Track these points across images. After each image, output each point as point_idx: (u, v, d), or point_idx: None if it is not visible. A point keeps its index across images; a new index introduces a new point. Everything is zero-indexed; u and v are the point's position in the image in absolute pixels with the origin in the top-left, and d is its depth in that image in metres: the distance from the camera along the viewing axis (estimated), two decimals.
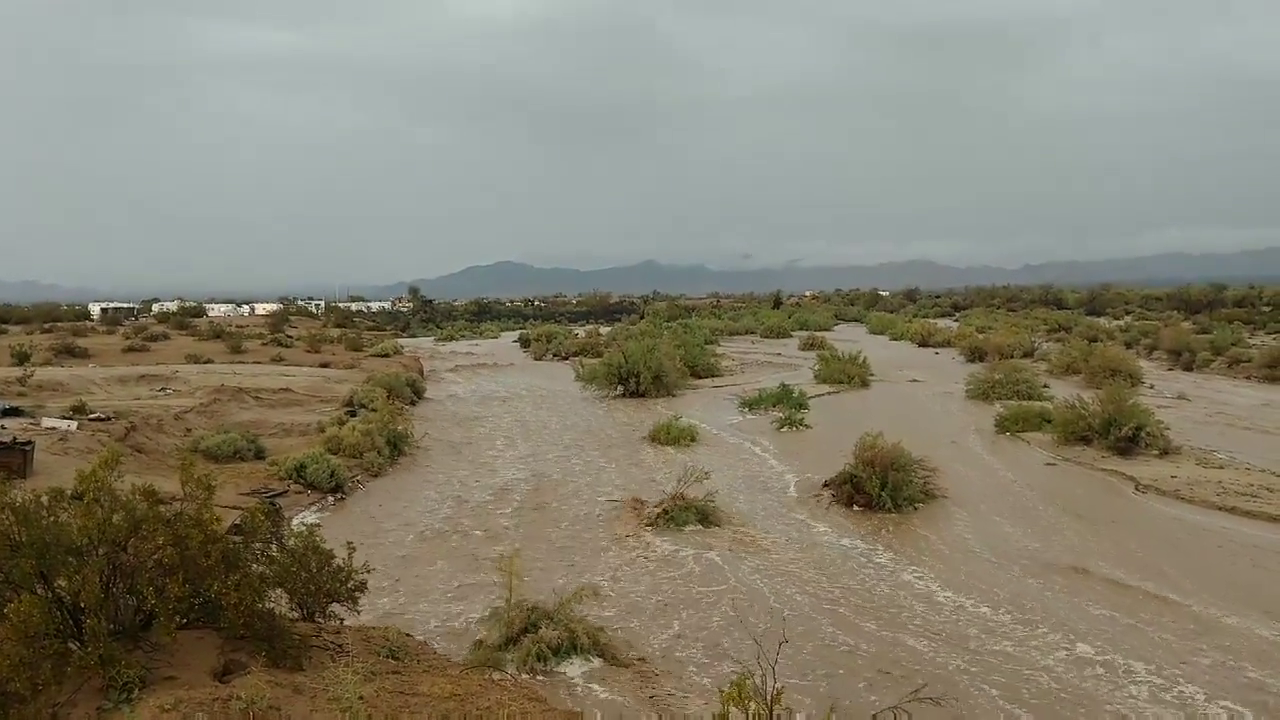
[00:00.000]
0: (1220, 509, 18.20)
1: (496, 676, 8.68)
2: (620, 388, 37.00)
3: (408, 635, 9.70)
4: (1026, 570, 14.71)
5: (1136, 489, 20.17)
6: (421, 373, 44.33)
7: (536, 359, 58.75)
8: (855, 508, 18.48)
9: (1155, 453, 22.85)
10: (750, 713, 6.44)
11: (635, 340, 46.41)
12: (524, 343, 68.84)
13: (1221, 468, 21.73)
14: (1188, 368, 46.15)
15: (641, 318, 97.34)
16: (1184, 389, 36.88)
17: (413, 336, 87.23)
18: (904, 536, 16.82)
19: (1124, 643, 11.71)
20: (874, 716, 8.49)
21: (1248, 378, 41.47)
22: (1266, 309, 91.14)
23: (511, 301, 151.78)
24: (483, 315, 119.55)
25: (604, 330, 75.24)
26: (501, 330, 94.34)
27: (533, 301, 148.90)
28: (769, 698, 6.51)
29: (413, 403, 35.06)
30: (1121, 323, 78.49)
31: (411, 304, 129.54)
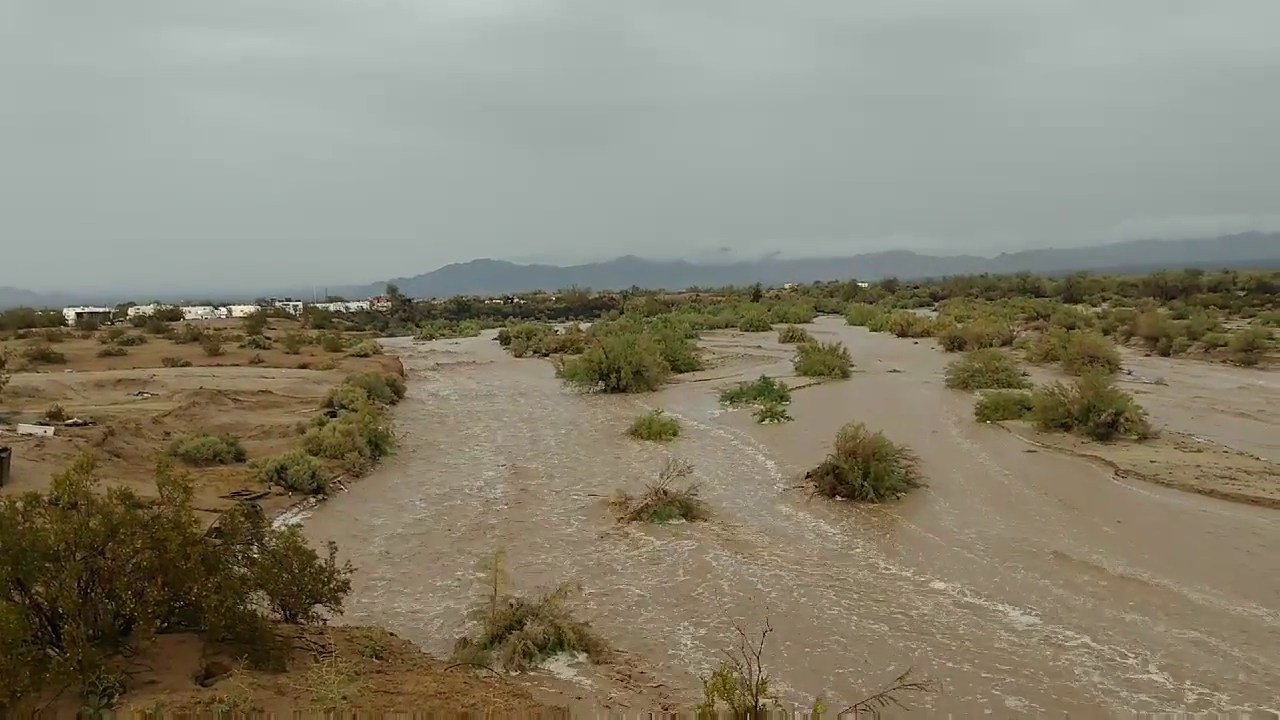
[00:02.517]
0: (1199, 492, 18.32)
1: (481, 674, 8.65)
2: (601, 384, 36.97)
3: (391, 635, 9.67)
4: (1008, 557, 14.77)
5: (1116, 474, 20.28)
6: (401, 372, 44.17)
7: (517, 356, 58.61)
8: (838, 498, 18.51)
9: (1134, 438, 22.99)
10: (735, 702, 6.45)
11: (615, 336, 46.37)
12: (504, 340, 68.66)
13: (1199, 451, 21.87)
14: (1165, 353, 46.45)
15: (621, 313, 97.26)
16: (1161, 374, 37.11)
17: (392, 336, 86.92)
18: (886, 526, 16.87)
19: (1103, 627, 11.77)
20: (860, 704, 8.50)
21: (1224, 362, 41.79)
22: (1241, 294, 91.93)
23: (491, 299, 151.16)
24: (462, 313, 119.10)
25: (584, 326, 75.11)
26: (481, 328, 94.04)
27: (512, 299, 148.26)
28: (754, 687, 6.51)
29: (393, 402, 34.93)
30: (1099, 309, 78.94)
31: (390, 303, 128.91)
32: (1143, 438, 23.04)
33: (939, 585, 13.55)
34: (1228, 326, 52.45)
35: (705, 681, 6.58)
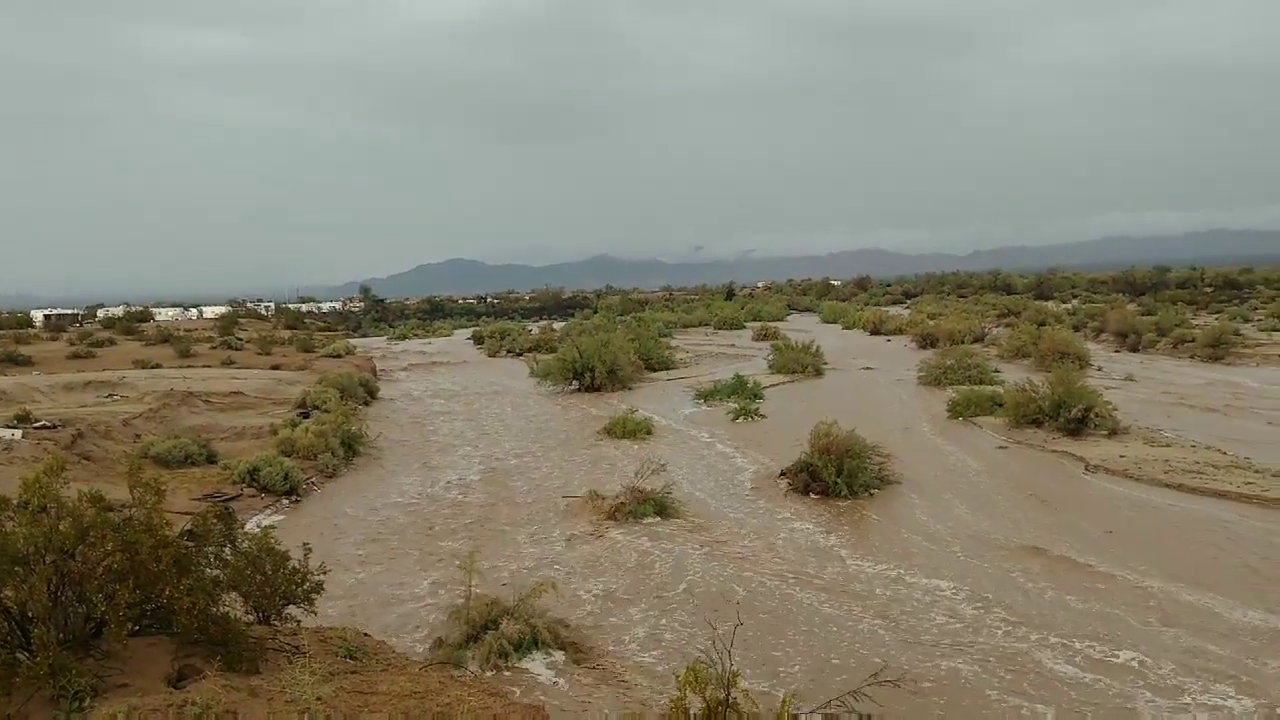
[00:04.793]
0: (1167, 486, 18.52)
1: (457, 674, 8.64)
2: (575, 383, 36.96)
3: (365, 635, 9.63)
4: (980, 551, 14.89)
5: (1087, 469, 20.46)
6: (374, 372, 43.97)
7: (490, 356, 58.49)
8: (812, 495, 18.60)
9: (1104, 433, 23.20)
10: (707, 696, 6.49)
11: (589, 335, 46.34)
12: (477, 340, 68.50)
13: (1168, 446, 22.11)
14: (1134, 349, 46.92)
15: (595, 312, 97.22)
16: (1131, 370, 37.47)
17: (365, 336, 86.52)
18: (860, 522, 16.97)
19: (1075, 621, 11.89)
20: (833, 700, 8.55)
21: (1191, 357, 42.25)
22: (1209, 290, 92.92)
23: (464, 299, 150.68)
24: (435, 313, 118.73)
25: (557, 326, 75.06)
26: (454, 328, 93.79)
27: (485, 299, 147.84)
28: (725, 680, 6.56)
29: (366, 403, 34.78)
30: (1069, 306, 79.52)
31: (363, 304, 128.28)
32: (1112, 433, 23.25)
33: (913, 580, 13.64)
34: (1196, 323, 53.04)
35: (677, 676, 6.61)
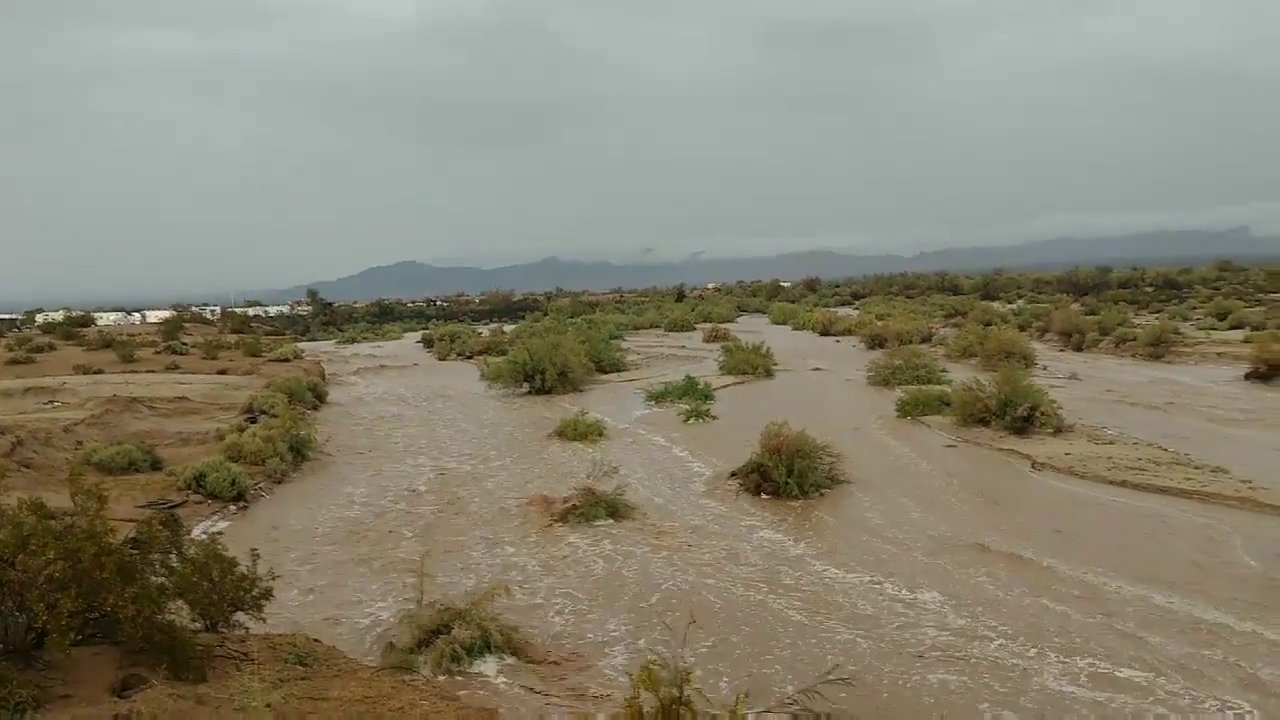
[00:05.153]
0: (1111, 483, 18.83)
1: (409, 678, 8.57)
2: (526, 385, 36.82)
3: (316, 641, 9.53)
4: (929, 550, 15.05)
5: (1033, 467, 20.75)
6: (323, 376, 43.54)
7: (440, 359, 58.11)
8: (763, 496, 18.69)
9: (1049, 431, 23.53)
10: (660, 694, 6.50)
11: (539, 337, 46.21)
12: (427, 343, 67.98)
13: (1111, 443, 22.48)
14: (1078, 348, 47.68)
15: (545, 315, 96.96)
16: (1075, 369, 38.06)
17: (313, 340, 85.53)
18: (810, 522, 17.08)
19: (1019, 616, 12.05)
20: (787, 699, 8.61)
21: (1133, 356, 43.03)
22: (1150, 290, 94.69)
23: (413, 302, 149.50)
24: (384, 317, 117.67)
25: (508, 328, 74.75)
26: (404, 331, 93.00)
27: (435, 301, 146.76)
28: (679, 679, 6.57)
29: (315, 407, 34.39)
30: (1015, 306, 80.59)
31: (311, 307, 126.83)
32: (1058, 431, 23.60)
33: (862, 579, 13.76)
34: (1137, 322, 53.98)
35: (631, 676, 6.62)
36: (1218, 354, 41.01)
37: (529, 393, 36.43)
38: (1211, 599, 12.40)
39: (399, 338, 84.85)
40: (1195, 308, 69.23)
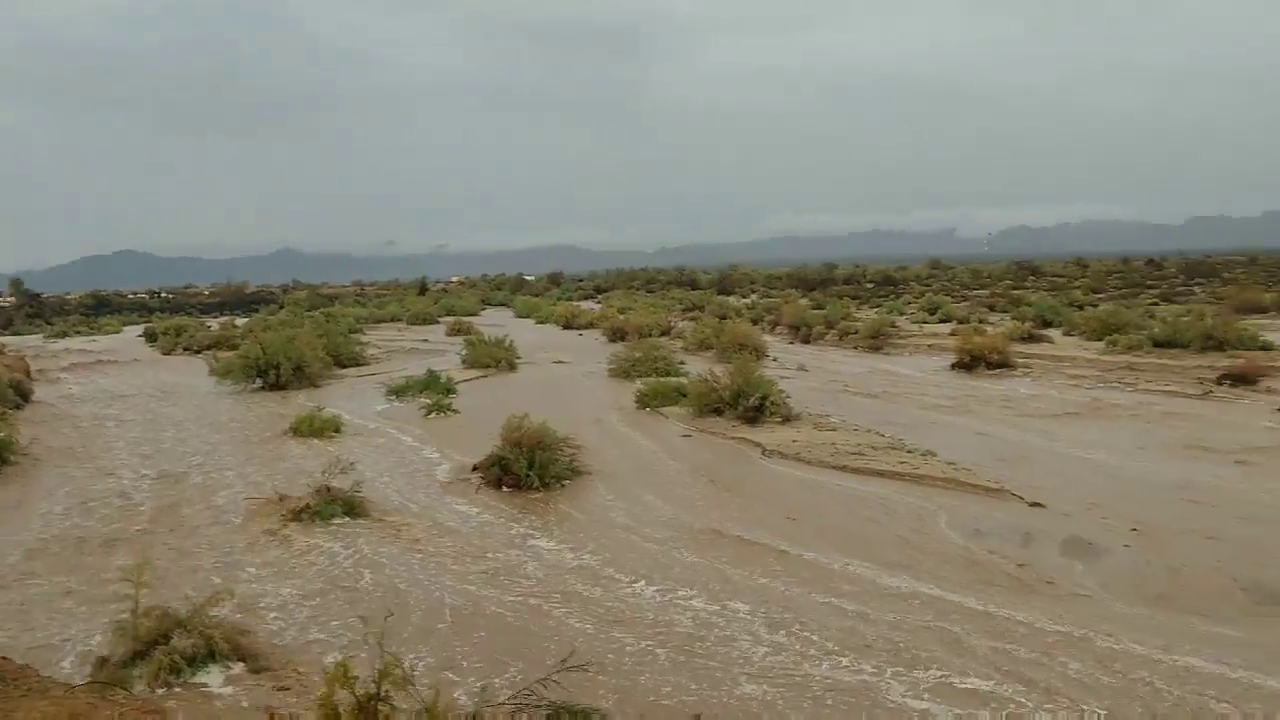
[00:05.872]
0: (834, 468, 19.93)
1: (115, 694, 8.01)
2: (259, 380, 35.22)
3: (4, 659, 8.74)
4: (666, 536, 15.46)
5: (763, 454, 21.67)
6: (28, 373, 39.97)
7: (165, 354, 54.73)
8: (505, 489, 18.66)
9: (778, 420, 24.64)
10: (356, 690, 6.37)
11: (274, 331, 44.32)
12: (151, 337, 63.80)
13: (834, 430, 23.79)
14: (806, 340, 50.22)
15: (281, 307, 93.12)
16: (803, 360, 40.03)
17: (17, 334, 78.64)
18: (551, 513, 17.19)
19: (749, 595, 12.57)
20: (524, 689, 8.61)
21: (855, 348, 45.76)
22: (870, 286, 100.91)
23: (135, 293, 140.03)
24: (101, 309, 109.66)
25: (240, 321, 71.28)
26: (124, 324, 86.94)
27: (159, 293, 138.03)
28: (377, 674, 6.46)
29: (18, 406, 31.59)
30: (749, 300, 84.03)
31: (14, 298, 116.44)
32: (786, 419, 24.74)
33: (598, 567, 13.97)
34: (859, 316, 57.35)
35: (325, 673, 6.46)
36: (929, 346, 44.21)
37: (262, 389, 34.87)
38: (915, 574, 13.34)
39: (118, 331, 79.26)
40: (910, 303, 74.34)
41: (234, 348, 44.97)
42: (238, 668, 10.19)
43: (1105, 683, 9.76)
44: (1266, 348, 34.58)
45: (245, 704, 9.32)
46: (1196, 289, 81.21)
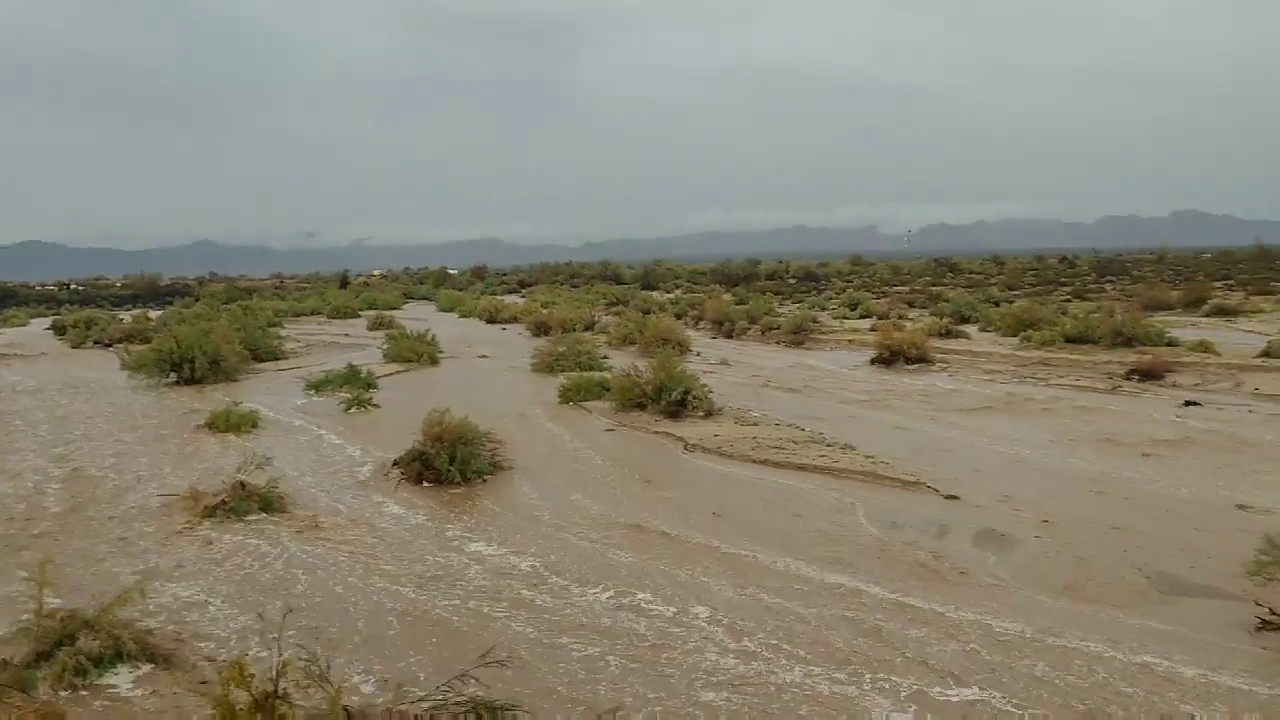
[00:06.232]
0: (755, 462, 20.10)
1: (12, 698, 7.78)
2: (174, 375, 34.45)
3: None
4: (588, 531, 15.45)
5: (685, 448, 21.77)
6: None
7: (74, 347, 53.24)
8: (425, 484, 18.50)
9: (701, 414, 24.77)
10: (253, 689, 6.29)
11: (189, 324, 43.38)
12: (59, 330, 61.99)
13: (756, 425, 23.99)
14: (729, 335, 50.57)
15: (197, 300, 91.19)
16: (726, 355, 40.34)
17: None
18: (473, 508, 17.09)
19: (671, 588, 12.63)
20: (442, 685, 8.55)
21: (777, 343, 46.22)
22: (793, 281, 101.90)
23: (42, 285, 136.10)
24: (5, 301, 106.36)
25: (154, 314, 69.64)
26: (30, 317, 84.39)
27: (69, 285, 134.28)
28: (274, 673, 6.38)
29: None
30: (672, 295, 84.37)
31: None
32: (708, 414, 24.89)
33: (519, 561, 13.92)
34: (781, 311, 57.93)
35: (220, 673, 6.37)
36: (850, 341, 44.78)
37: (177, 383, 34.12)
38: (840, 567, 13.53)
39: (24, 324, 76.89)
40: (831, 298, 75.32)
41: (147, 341, 43.92)
42: (147, 667, 9.97)
43: (1001, 663, 9.99)
44: (1172, 344, 35.71)
45: (152, 705, 9.12)
46: (1107, 286, 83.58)
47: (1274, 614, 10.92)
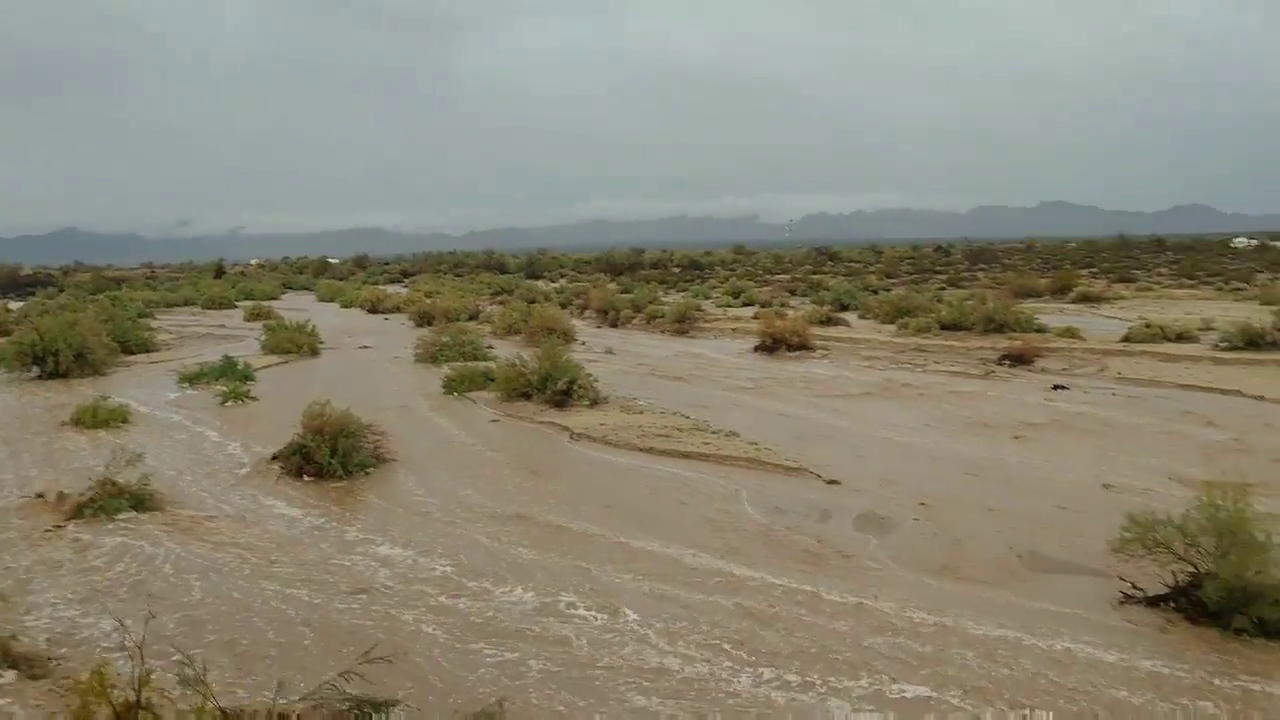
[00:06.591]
0: (641, 450, 20.19)
1: None
2: (36, 369, 33.00)
3: None
4: (473, 523, 15.33)
5: (571, 438, 21.75)
6: None
7: None
8: (306, 478, 18.10)
9: (587, 403, 24.77)
10: (114, 700, 6.07)
11: (53, 316, 41.58)
12: None
13: (641, 413, 24.10)
14: (614, 324, 50.68)
15: (61, 291, 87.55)
16: (611, 344, 40.39)
17: None
18: (355, 502, 16.80)
19: (554, 579, 12.62)
20: (324, 683, 8.37)
21: (662, 332, 46.50)
22: (677, 270, 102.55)
23: None
24: None
25: (14, 306, 66.59)
26: None
27: None
28: (137, 681, 6.18)
29: None
30: (557, 285, 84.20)
31: None
32: (594, 403, 24.90)
33: (404, 555, 13.74)
34: (666, 300, 58.25)
35: (79, 682, 6.14)
36: (733, 329, 45.35)
37: (40, 377, 32.69)
38: (724, 553, 13.68)
39: None
40: (715, 287, 76.06)
41: (7, 333, 42.00)
42: (9, 675, 9.54)
43: (884, 643, 10.26)
44: (1041, 330, 37.11)
45: (15, 713, 8.74)
46: (980, 274, 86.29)
47: (1136, 588, 11.44)
